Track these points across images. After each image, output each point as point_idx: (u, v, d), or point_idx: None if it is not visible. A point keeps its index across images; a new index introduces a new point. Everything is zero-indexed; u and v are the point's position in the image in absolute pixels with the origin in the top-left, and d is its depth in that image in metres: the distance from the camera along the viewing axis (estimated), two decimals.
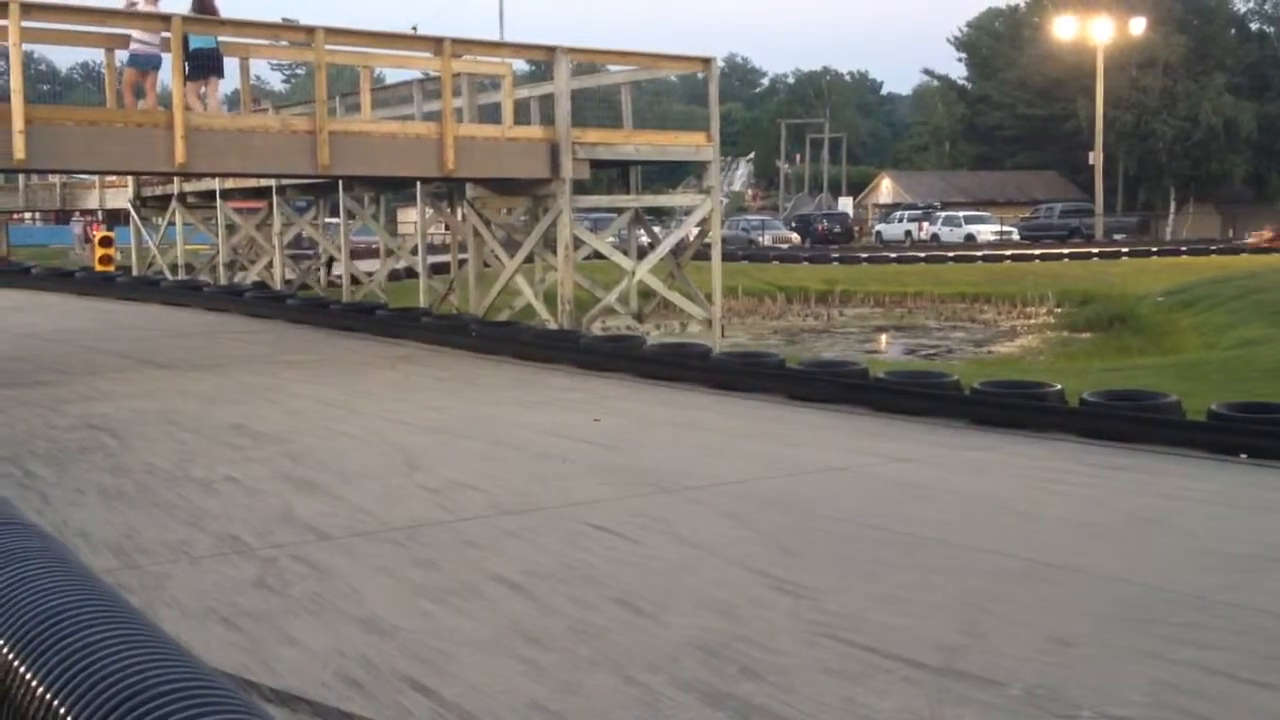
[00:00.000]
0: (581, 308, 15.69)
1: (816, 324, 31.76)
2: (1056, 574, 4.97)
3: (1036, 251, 41.97)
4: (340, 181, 18.88)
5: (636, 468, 7.18)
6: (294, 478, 6.76)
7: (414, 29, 38.00)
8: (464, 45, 14.64)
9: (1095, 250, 42.62)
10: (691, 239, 17.56)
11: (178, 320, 16.85)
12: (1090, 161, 53.13)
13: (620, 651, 4.00)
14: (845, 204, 66.30)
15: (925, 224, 53.05)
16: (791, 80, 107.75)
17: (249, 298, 17.87)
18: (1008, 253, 41.86)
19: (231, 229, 23.21)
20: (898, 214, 57.63)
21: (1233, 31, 65.68)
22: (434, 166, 13.79)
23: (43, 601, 2.04)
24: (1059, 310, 32.26)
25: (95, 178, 26.57)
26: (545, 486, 6.62)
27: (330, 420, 8.82)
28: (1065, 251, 41.96)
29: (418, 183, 18.09)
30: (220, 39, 13.53)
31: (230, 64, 14.28)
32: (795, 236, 52.18)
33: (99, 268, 23.85)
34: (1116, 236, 49.09)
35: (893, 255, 42.05)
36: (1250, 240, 45.14)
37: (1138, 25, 54.80)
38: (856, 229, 58.02)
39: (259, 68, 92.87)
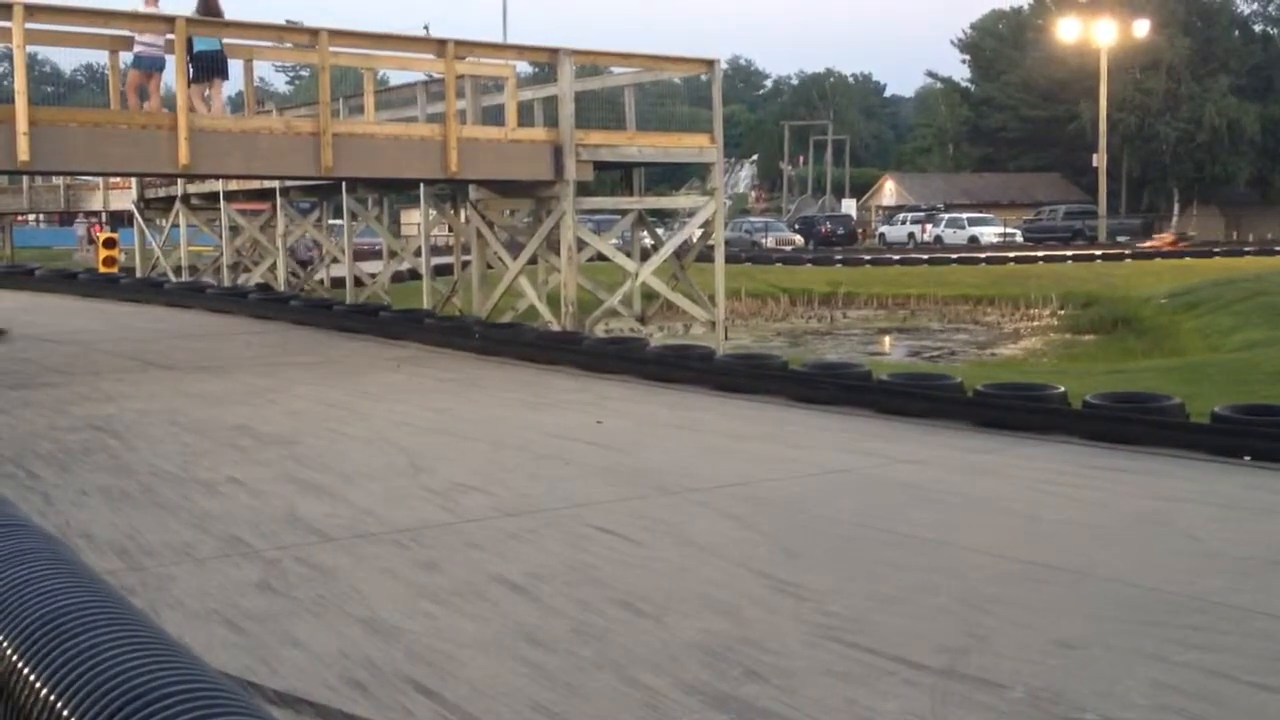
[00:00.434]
0: (585, 309, 15.69)
1: (820, 326, 31.76)
2: (1059, 576, 4.97)
3: (1040, 253, 41.95)
4: (344, 183, 18.90)
5: (639, 469, 7.18)
6: (297, 479, 6.77)
7: (425, 28, 38.04)
8: (467, 47, 14.65)
9: (1099, 252, 42.62)
10: (695, 241, 17.57)
11: (181, 322, 16.87)
12: (1094, 163, 53.11)
13: (623, 653, 4.00)
14: (848, 206, 66.30)
15: (928, 226, 53.02)
16: (795, 82, 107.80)
17: (252, 299, 17.89)
18: (1011, 255, 41.84)
19: (235, 230, 23.23)
20: (901, 216, 57.63)
21: (1236, 33, 65.63)
22: (437, 168, 13.80)
23: (46, 603, 2.05)
24: (1062, 312, 32.25)
25: (99, 179, 26.64)
26: (548, 488, 6.62)
27: (333, 422, 8.83)
28: (1069, 253, 41.95)
29: (421, 184, 18.10)
30: (224, 41, 13.54)
31: (234, 66, 14.31)
32: (798, 238, 52.14)
33: (103, 269, 23.87)
34: (1120, 238, 49.05)
35: (896, 257, 42.02)
36: (1150, 244, 44.93)
37: (1141, 27, 54.78)
38: (860, 231, 57.98)
39: (263, 69, 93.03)
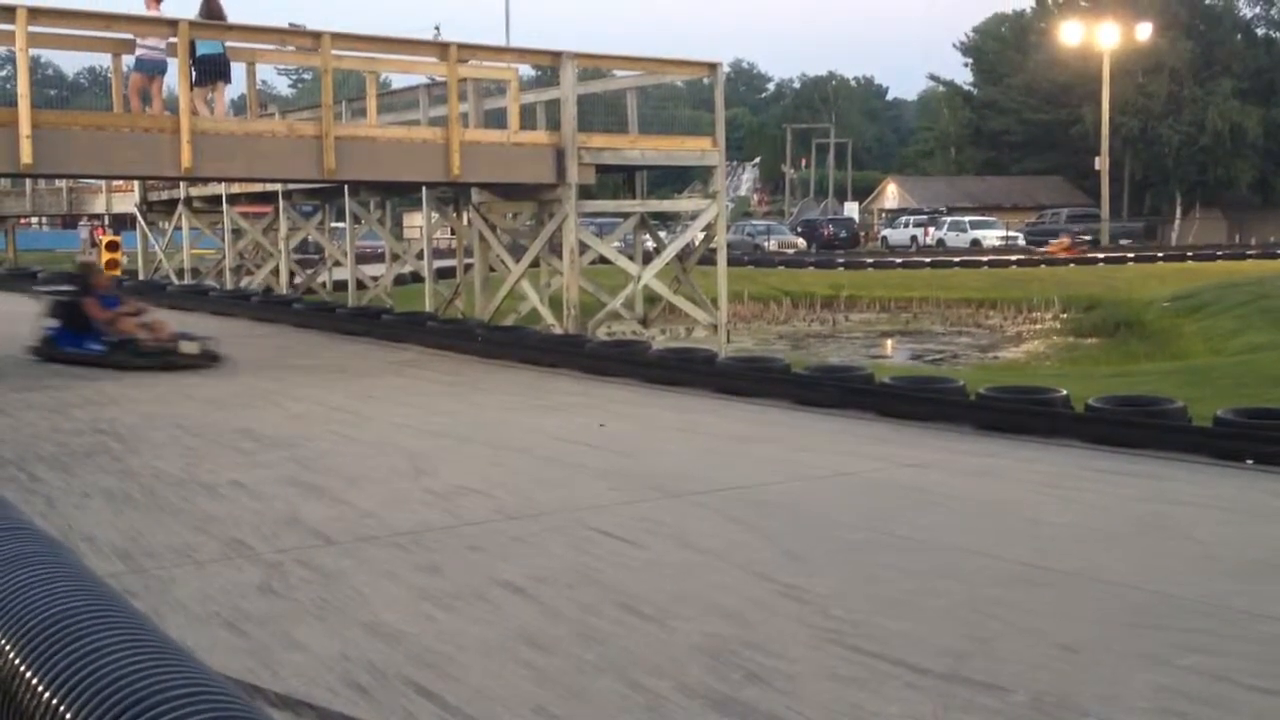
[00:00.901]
0: (587, 312, 15.69)
1: (822, 329, 31.76)
2: (1062, 579, 4.96)
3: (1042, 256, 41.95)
4: (346, 186, 18.91)
5: (642, 472, 7.18)
6: (300, 482, 6.77)
7: (436, 29, 38.06)
8: (470, 50, 14.66)
9: (1101, 255, 42.59)
10: (697, 244, 17.58)
11: (183, 324, 16.86)
12: (1096, 167, 53.08)
13: (626, 656, 3.99)
14: (851, 209, 66.31)
15: (931, 229, 53.01)
16: (797, 85, 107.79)
17: (255, 302, 17.90)
18: (1013, 258, 41.82)
19: (238, 233, 23.26)
20: (903, 219, 57.61)
21: (1239, 37, 65.63)
22: (440, 171, 13.81)
23: (48, 607, 2.05)
24: (1065, 315, 32.24)
25: (102, 182, 26.69)
26: (550, 491, 6.62)
27: (336, 425, 8.83)
28: (1071, 256, 41.93)
29: (423, 187, 18.12)
30: (227, 44, 13.55)
31: (237, 69, 14.33)
32: (801, 242, 52.14)
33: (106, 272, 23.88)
34: (1122, 241, 49.03)
35: (898, 260, 42.02)
36: (1045, 250, 44.76)
37: (1144, 31, 54.76)
38: (863, 234, 57.96)
39: (265, 72, 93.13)
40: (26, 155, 11.23)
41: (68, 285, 12.77)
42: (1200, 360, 19.87)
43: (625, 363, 11.78)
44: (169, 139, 12.04)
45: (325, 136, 12.85)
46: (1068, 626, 4.33)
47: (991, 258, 41.90)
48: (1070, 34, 55.16)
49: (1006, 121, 69.63)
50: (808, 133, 78.47)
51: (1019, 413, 8.72)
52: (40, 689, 1.82)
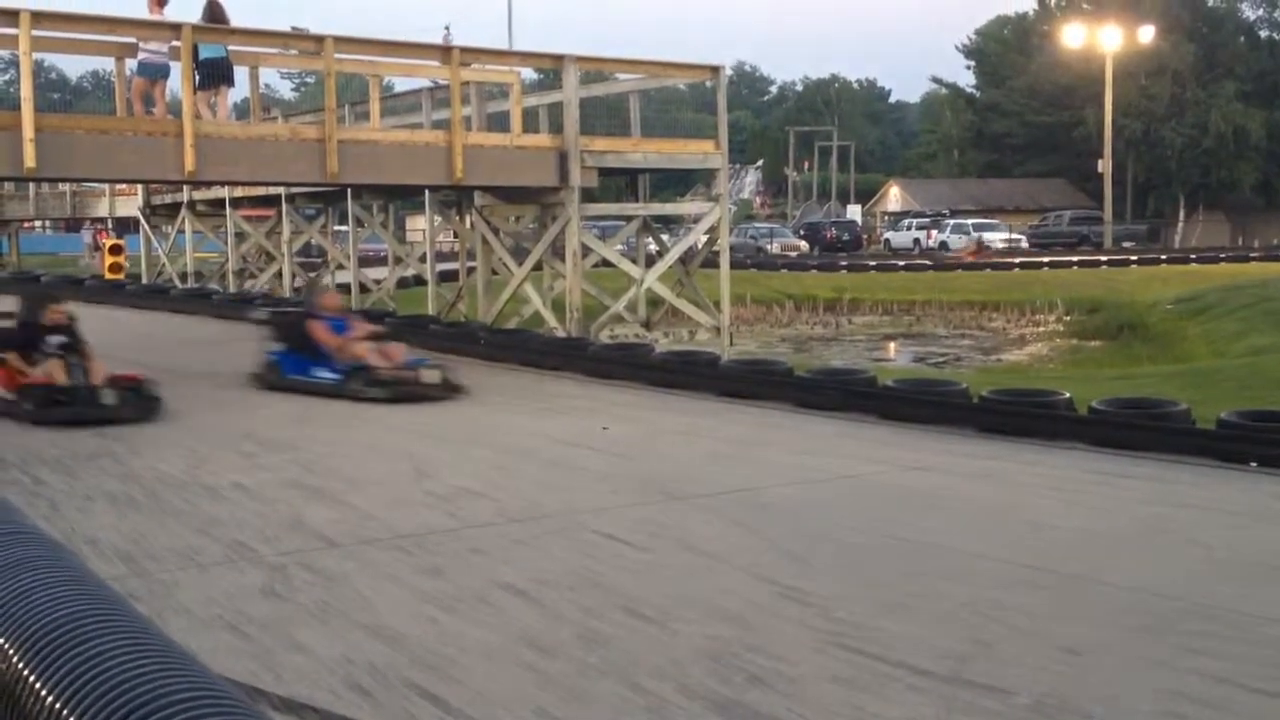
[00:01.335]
0: (590, 315, 15.69)
1: (825, 332, 31.76)
2: (1065, 582, 4.96)
3: (1045, 259, 41.93)
4: (349, 189, 18.92)
5: (644, 475, 7.18)
6: (302, 485, 6.77)
7: (447, 28, 38.12)
8: (472, 54, 14.66)
9: (1104, 258, 42.57)
10: (700, 247, 17.56)
11: (187, 328, 16.89)
12: (1099, 169, 53.02)
13: (628, 659, 3.99)
14: (854, 212, 66.28)
15: (934, 232, 52.99)
16: (800, 88, 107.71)
17: (259, 305, 17.88)
18: (1016, 260, 41.82)
19: (241, 237, 23.28)
20: (906, 222, 57.57)
21: (1242, 39, 65.57)
22: (442, 174, 13.81)
23: (51, 610, 2.05)
24: (1068, 318, 32.24)
25: (105, 186, 26.72)
26: (553, 494, 6.62)
27: (338, 428, 8.83)
28: (1074, 259, 41.92)
29: (426, 191, 18.13)
30: (230, 48, 13.56)
31: (240, 72, 14.33)
32: (803, 244, 52.13)
33: (109, 275, 23.94)
34: (1125, 244, 48.99)
35: (901, 263, 42.03)
36: (951, 254, 44.76)
37: (1146, 33, 54.69)
38: (865, 237, 57.92)
39: (268, 76, 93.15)
40: (30, 159, 11.24)
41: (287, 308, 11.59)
42: (1204, 363, 19.87)
43: (628, 366, 11.78)
44: (172, 143, 12.05)
45: (328, 140, 12.85)
46: (1070, 629, 4.33)
47: (994, 260, 41.81)
48: (1072, 36, 55.10)
49: (1009, 124, 69.59)
50: (810, 135, 78.44)
51: (1022, 415, 8.71)
52: (44, 693, 1.83)
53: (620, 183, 18.50)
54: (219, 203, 22.39)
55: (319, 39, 13.38)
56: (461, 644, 4.14)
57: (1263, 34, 67.03)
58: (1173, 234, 59.47)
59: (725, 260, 16.47)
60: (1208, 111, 59.66)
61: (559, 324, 15.28)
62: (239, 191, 21.38)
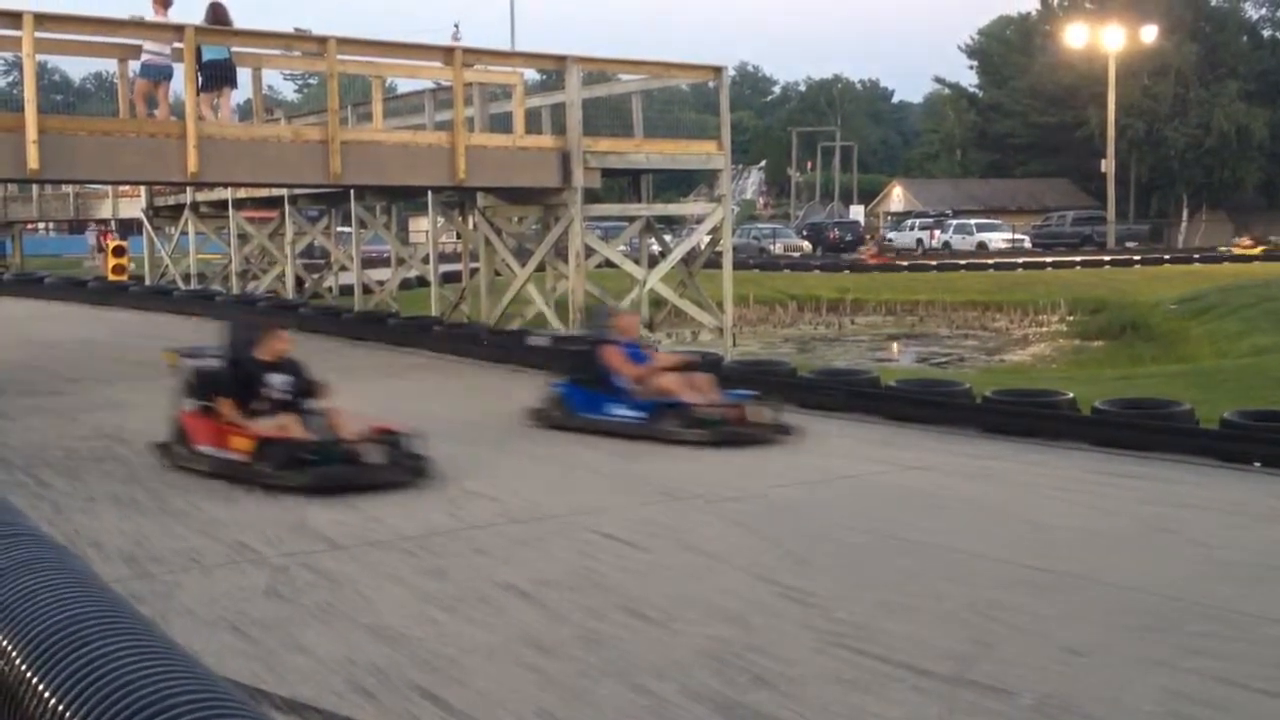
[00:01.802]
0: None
1: (828, 332, 31.73)
2: (1068, 583, 4.95)
3: (1048, 259, 41.89)
4: (352, 191, 18.92)
5: (646, 476, 7.18)
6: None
7: (456, 26, 38.12)
8: (475, 55, 14.66)
9: (1107, 258, 42.52)
10: (703, 247, 17.55)
11: (190, 329, 16.89)
12: (1102, 169, 52.97)
13: (630, 660, 4.00)
14: (856, 212, 66.23)
15: (937, 232, 52.93)
16: (803, 88, 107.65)
17: (261, 307, 17.89)
18: (1019, 260, 41.78)
19: (244, 238, 23.28)
20: (909, 222, 57.49)
21: (1245, 39, 65.47)
22: (445, 175, 13.81)
23: (54, 612, 2.05)
24: (1071, 318, 32.20)
25: (108, 188, 26.72)
26: (555, 495, 6.62)
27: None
28: (1077, 259, 41.87)
29: (429, 192, 18.13)
30: (233, 49, 13.57)
31: (243, 74, 14.32)
32: (806, 245, 52.10)
33: (112, 277, 23.94)
34: (1128, 244, 48.93)
35: (904, 264, 41.99)
36: (855, 256, 44.70)
37: (1149, 33, 54.62)
38: (868, 237, 57.88)
39: (271, 77, 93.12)
40: (33, 161, 11.25)
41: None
42: (1206, 363, 19.81)
43: None
44: (175, 144, 12.05)
45: (331, 141, 12.86)
46: (1074, 629, 4.33)
47: (997, 260, 41.74)
48: (1075, 37, 55.03)
49: (1012, 124, 69.51)
50: (813, 136, 78.38)
51: (1025, 415, 8.71)
52: (46, 695, 1.83)
53: (623, 183, 18.48)
54: (222, 204, 22.39)
55: (322, 40, 13.38)
56: (464, 645, 4.15)
57: (1266, 33, 66.95)
58: (1176, 234, 59.40)
59: (728, 261, 16.45)
60: (1211, 111, 59.57)
61: (562, 325, 15.27)
62: (242, 193, 21.37)
